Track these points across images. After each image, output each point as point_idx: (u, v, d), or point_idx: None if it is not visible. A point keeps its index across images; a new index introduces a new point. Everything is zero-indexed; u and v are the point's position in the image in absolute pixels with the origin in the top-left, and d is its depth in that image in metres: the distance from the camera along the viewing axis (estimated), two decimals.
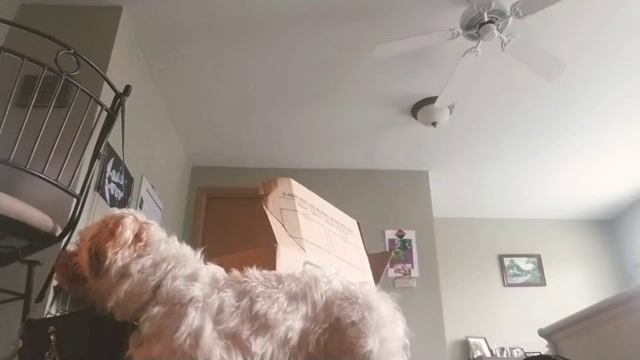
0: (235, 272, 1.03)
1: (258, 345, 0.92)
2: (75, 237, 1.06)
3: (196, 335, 0.88)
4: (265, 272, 1.05)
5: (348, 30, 3.09)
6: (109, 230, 0.97)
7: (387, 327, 1.02)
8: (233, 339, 0.92)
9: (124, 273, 0.95)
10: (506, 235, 5.86)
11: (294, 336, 0.96)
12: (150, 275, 0.96)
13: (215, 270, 1.03)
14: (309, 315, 0.99)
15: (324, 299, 1.02)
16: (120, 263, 0.94)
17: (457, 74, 3.07)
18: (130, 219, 1.00)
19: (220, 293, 0.96)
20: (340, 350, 0.98)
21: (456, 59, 3.01)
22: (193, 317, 0.90)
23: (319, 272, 1.09)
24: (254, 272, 1.03)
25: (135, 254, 0.97)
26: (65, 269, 1.01)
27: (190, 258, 1.03)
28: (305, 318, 0.99)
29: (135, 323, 0.94)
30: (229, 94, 3.75)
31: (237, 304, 0.96)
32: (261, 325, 0.94)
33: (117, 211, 1.02)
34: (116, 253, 0.94)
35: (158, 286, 0.95)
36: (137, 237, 0.98)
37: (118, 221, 0.98)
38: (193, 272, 0.99)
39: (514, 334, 5.16)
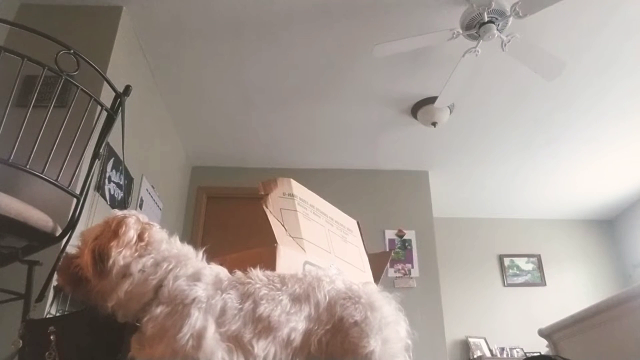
0: (239, 273, 1.03)
1: (260, 347, 0.92)
2: (76, 240, 1.05)
3: (199, 336, 0.88)
4: (268, 273, 1.05)
5: (348, 30, 3.09)
6: (112, 230, 0.97)
7: (389, 327, 1.02)
8: (235, 342, 0.92)
9: (125, 273, 0.95)
10: (506, 235, 5.86)
11: (297, 337, 0.96)
12: (151, 274, 0.96)
13: (218, 270, 1.03)
14: (312, 316, 0.99)
15: (327, 299, 1.01)
16: (121, 262, 0.94)
17: (457, 74, 3.07)
18: (133, 219, 1.00)
19: (224, 295, 0.95)
20: (343, 350, 0.97)
21: (456, 59, 3.01)
22: (196, 318, 0.89)
23: (321, 273, 1.09)
24: (257, 274, 1.02)
25: (136, 254, 0.97)
26: (67, 271, 1.01)
27: (191, 258, 1.02)
28: (309, 319, 0.98)
29: (137, 324, 0.93)
30: (229, 94, 3.75)
31: (240, 306, 0.95)
32: (264, 327, 0.94)
33: (118, 212, 1.02)
34: (120, 252, 0.94)
35: (159, 286, 0.95)
36: (140, 237, 0.98)
37: (121, 221, 0.98)
38: (196, 271, 0.98)
39: (514, 334, 5.17)
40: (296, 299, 0.99)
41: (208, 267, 1.03)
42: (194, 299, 0.92)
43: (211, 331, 0.90)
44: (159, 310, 0.91)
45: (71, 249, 1.07)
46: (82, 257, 0.98)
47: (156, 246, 1.00)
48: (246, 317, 0.94)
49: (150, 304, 0.93)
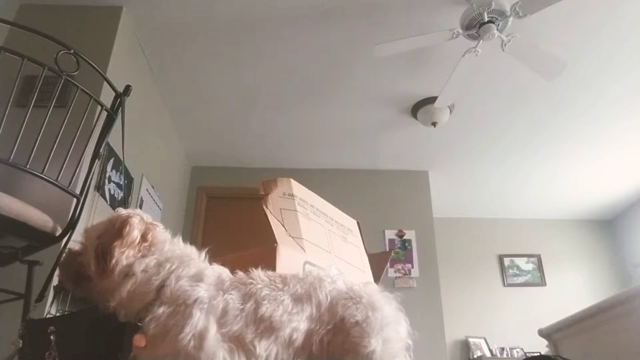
0: (240, 274, 1.03)
1: (262, 347, 0.92)
2: (79, 236, 1.05)
3: (200, 336, 0.88)
4: (270, 273, 1.05)
5: (348, 30, 3.08)
6: (116, 229, 0.96)
7: (390, 327, 1.03)
8: (237, 342, 0.92)
9: (128, 272, 0.95)
10: (506, 235, 5.86)
11: (299, 337, 0.96)
12: (153, 275, 0.96)
13: (220, 270, 1.03)
14: (314, 316, 0.99)
15: (328, 299, 1.02)
16: (124, 262, 0.94)
17: (457, 74, 3.07)
18: (138, 219, 1.00)
19: (225, 295, 0.95)
20: (344, 349, 0.98)
21: (456, 59, 3.01)
22: (198, 319, 0.89)
23: (323, 273, 1.09)
24: (259, 274, 1.02)
25: (139, 254, 0.97)
26: (69, 267, 1.01)
27: (194, 258, 1.02)
28: (310, 319, 0.99)
29: (138, 324, 0.93)
30: (229, 94, 3.75)
31: (241, 307, 0.95)
32: (266, 327, 0.94)
33: (123, 211, 1.02)
34: (123, 252, 0.94)
35: (162, 286, 0.95)
36: (143, 237, 0.98)
37: (125, 221, 0.98)
38: (198, 272, 0.98)
39: (514, 334, 5.16)
40: (298, 299, 0.99)
41: (210, 267, 1.03)
42: (196, 300, 0.92)
43: (213, 331, 0.90)
44: (161, 310, 0.91)
45: (74, 245, 1.07)
46: (85, 255, 0.98)
47: (159, 247, 1.00)
48: (248, 317, 0.94)
49: (152, 304, 0.93)
